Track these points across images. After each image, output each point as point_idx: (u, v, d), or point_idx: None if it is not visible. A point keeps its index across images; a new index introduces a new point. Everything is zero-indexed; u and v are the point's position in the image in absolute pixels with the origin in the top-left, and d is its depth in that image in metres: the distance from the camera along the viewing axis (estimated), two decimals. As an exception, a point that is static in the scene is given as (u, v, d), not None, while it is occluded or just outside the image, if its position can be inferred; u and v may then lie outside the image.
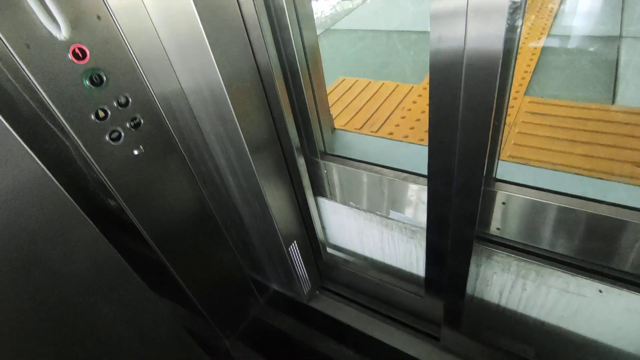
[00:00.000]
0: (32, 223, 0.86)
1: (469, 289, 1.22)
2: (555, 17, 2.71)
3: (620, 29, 2.44)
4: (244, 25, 1.00)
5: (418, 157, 1.59)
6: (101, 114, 0.90)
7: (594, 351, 1.16)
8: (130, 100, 0.95)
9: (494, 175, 1.03)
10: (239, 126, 1.06)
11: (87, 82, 0.85)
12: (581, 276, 1.01)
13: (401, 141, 1.77)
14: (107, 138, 0.94)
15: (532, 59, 2.31)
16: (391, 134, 1.82)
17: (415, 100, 2.07)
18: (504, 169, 1.50)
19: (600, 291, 1.01)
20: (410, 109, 1.98)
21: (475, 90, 0.80)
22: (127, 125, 0.97)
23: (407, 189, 1.22)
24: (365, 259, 1.59)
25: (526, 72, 2.21)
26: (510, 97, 2.11)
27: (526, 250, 1.09)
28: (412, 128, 1.85)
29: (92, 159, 0.92)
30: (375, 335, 1.51)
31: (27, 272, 0.88)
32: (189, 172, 1.21)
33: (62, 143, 0.92)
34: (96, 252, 1.00)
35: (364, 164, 1.29)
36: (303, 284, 1.62)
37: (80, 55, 0.81)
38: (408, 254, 1.43)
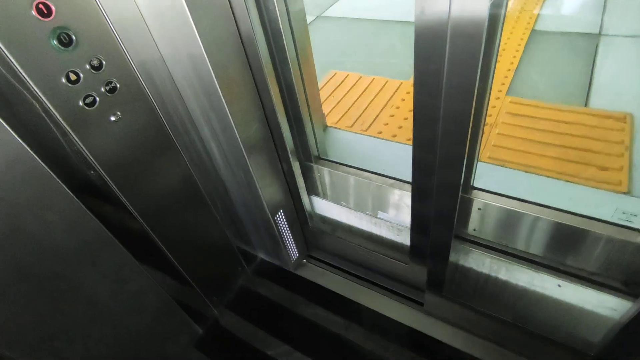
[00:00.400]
0: (11, 193, 0.84)
1: (448, 275, 1.29)
2: (538, 15, 2.70)
3: (600, 27, 2.46)
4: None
5: (405, 159, 1.63)
6: (73, 77, 0.85)
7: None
8: (104, 63, 0.91)
9: (471, 184, 1.14)
10: (221, 95, 1.03)
11: (55, 42, 0.80)
12: (543, 273, 1.13)
13: (390, 140, 1.82)
14: (81, 103, 0.89)
15: (515, 56, 2.32)
16: (380, 132, 1.88)
17: (403, 98, 2.09)
18: (483, 171, 1.58)
19: (559, 285, 1.12)
20: (398, 107, 2.01)
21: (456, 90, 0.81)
22: (102, 89, 0.93)
23: (393, 194, 1.33)
24: (351, 228, 1.60)
25: (509, 70, 2.22)
26: (493, 97, 2.17)
27: (498, 250, 1.20)
28: (400, 127, 1.90)
29: (66, 125, 0.88)
30: (362, 302, 1.54)
31: (8, 242, 0.86)
32: (171, 140, 1.17)
33: (34, 110, 0.88)
34: (77, 222, 0.98)
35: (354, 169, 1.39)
36: (290, 252, 1.63)
37: (45, 11, 0.76)
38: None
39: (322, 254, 1.74)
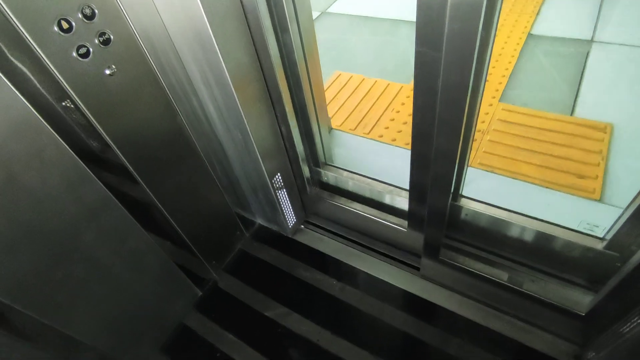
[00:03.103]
0: (5, 142, 0.83)
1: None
2: (535, 20, 2.69)
3: (593, 33, 2.46)
4: None
5: (403, 165, 1.82)
6: (64, 24, 0.84)
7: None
8: (96, 12, 0.89)
9: (460, 192, 1.26)
10: (218, 50, 1.01)
11: (46, -13, 0.78)
12: (520, 271, 1.28)
13: (389, 144, 1.93)
14: (74, 54, 0.88)
15: (510, 62, 2.34)
16: (381, 136, 1.98)
17: (403, 102, 2.17)
18: (473, 176, 1.74)
19: (533, 281, 1.25)
20: (399, 111, 2.10)
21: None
22: (96, 41, 0.92)
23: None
24: (350, 193, 1.60)
25: (504, 76, 2.25)
26: (487, 104, 2.21)
27: (481, 248, 1.34)
28: (399, 131, 1.99)
29: (59, 75, 0.87)
30: (358, 266, 1.56)
31: (3, 192, 0.86)
32: (168, 99, 1.16)
33: (27, 60, 0.87)
34: (73, 175, 0.98)
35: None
36: (287, 218, 1.64)
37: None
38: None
39: (320, 219, 1.75)
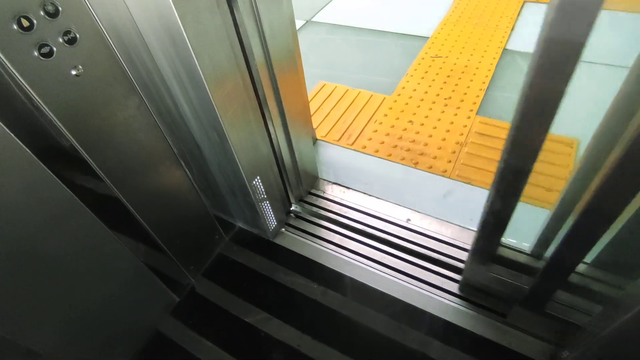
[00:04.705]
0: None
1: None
2: (509, 36, 2.75)
3: None
4: None
5: (385, 176, 1.88)
6: (25, 22, 0.78)
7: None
8: (60, 9, 0.83)
9: None
10: (192, 50, 0.97)
11: (2, -19, 0.72)
12: None
13: (372, 155, 1.96)
14: (35, 53, 0.83)
15: (487, 76, 2.39)
16: (364, 147, 2.01)
17: (386, 113, 2.20)
18: (452, 187, 1.78)
19: None
20: (381, 122, 2.13)
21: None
22: (60, 40, 0.86)
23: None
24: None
25: (481, 90, 2.30)
26: (465, 117, 2.26)
27: None
28: (382, 142, 2.02)
29: (20, 77, 0.82)
30: (339, 269, 1.55)
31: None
32: (140, 99, 1.11)
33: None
34: (35, 179, 0.92)
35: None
36: (268, 220, 1.61)
37: (-13, -57, 0.68)
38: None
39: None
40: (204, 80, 1.04)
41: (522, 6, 3.05)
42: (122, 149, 1.12)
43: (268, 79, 1.25)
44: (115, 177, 1.13)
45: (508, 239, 1.55)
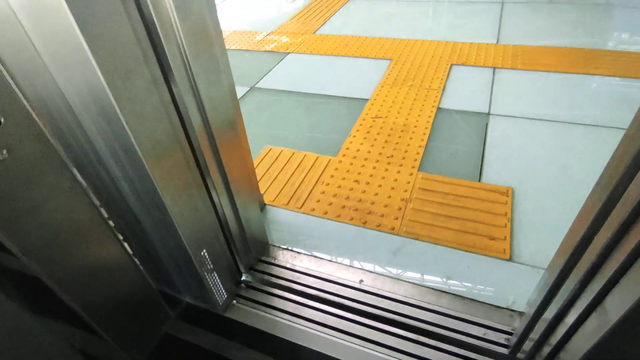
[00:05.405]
0: None
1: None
2: (442, 95, 3.04)
3: (489, 106, 2.86)
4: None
5: (336, 237, 1.91)
6: (-62, 111, 0.74)
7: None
8: (-19, 95, 0.80)
9: None
10: (125, 123, 0.95)
11: None
12: None
13: (322, 217, 1.99)
14: (-49, 142, 0.77)
15: (424, 133, 2.60)
16: (313, 210, 2.03)
17: (332, 174, 2.27)
18: (401, 244, 1.84)
19: None
20: (328, 184, 2.19)
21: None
22: (-20, 125, 0.81)
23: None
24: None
25: (420, 146, 2.48)
26: (407, 173, 2.42)
27: None
28: (330, 204, 2.06)
29: None
30: (297, 341, 1.48)
31: None
32: (72, 177, 1.06)
33: None
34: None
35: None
36: (217, 293, 1.52)
37: None
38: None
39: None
40: (142, 158, 1.01)
41: (449, 68, 3.38)
42: (51, 229, 1.03)
43: (210, 150, 1.25)
44: (40, 257, 1.03)
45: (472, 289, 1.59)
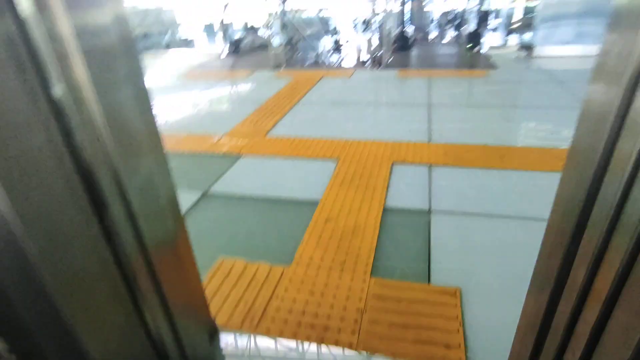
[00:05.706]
0: None
1: None
2: (386, 195, 3.19)
3: (429, 203, 3.04)
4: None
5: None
6: None
7: None
8: None
9: None
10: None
11: None
12: None
13: (278, 338, 1.90)
14: None
15: (373, 236, 2.64)
16: (268, 330, 1.94)
17: (286, 287, 2.21)
18: None
19: None
20: (283, 299, 2.13)
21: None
22: None
23: None
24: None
25: (370, 249, 2.50)
26: (361, 280, 2.39)
27: None
28: (285, 321, 1.98)
29: None
30: None
31: None
32: None
33: None
34: None
35: None
36: None
37: None
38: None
39: None
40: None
41: (391, 167, 3.65)
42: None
43: (148, 278, 1.20)
44: None
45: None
